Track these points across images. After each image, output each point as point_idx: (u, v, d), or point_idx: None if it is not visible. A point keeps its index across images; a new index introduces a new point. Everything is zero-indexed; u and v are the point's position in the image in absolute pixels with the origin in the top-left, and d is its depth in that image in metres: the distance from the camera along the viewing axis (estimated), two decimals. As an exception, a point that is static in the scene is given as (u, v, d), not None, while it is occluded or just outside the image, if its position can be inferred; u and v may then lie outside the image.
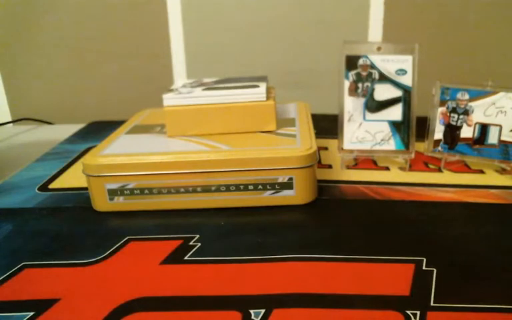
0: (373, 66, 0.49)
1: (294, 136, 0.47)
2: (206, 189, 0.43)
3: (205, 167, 0.43)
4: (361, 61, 0.49)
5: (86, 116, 0.80)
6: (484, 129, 0.49)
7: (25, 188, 0.51)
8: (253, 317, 0.30)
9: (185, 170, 0.43)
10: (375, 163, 0.53)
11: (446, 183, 0.48)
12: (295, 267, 0.35)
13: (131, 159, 0.43)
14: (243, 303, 0.31)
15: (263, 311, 0.30)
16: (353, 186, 0.48)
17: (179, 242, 0.39)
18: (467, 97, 0.49)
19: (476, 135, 0.49)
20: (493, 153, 0.49)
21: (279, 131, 0.48)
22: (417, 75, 0.49)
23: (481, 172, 0.50)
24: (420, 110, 0.50)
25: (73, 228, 0.42)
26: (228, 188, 0.43)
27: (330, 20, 0.77)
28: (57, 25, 0.80)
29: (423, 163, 0.53)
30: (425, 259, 0.35)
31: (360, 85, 0.50)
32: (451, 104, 0.49)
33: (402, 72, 0.49)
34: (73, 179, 0.53)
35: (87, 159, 0.44)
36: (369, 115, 0.50)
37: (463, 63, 0.77)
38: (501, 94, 0.47)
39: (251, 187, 0.43)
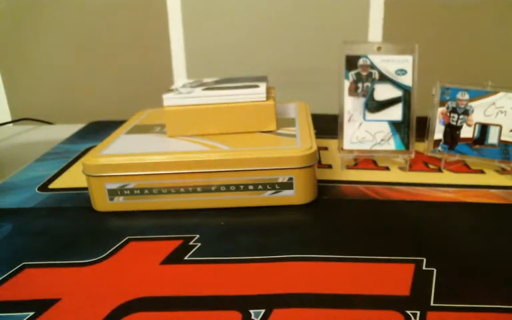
0: (373, 66, 0.49)
1: (294, 136, 0.47)
2: (206, 189, 0.43)
3: (205, 166, 0.43)
4: (361, 61, 0.49)
5: (86, 116, 0.80)
6: (484, 129, 0.49)
7: (25, 188, 0.51)
8: (252, 317, 0.30)
9: (185, 170, 0.43)
10: (374, 163, 0.53)
11: (446, 182, 0.48)
12: (295, 266, 0.35)
13: (130, 159, 0.43)
14: (243, 303, 0.31)
15: (263, 311, 0.30)
16: (353, 186, 0.48)
17: (178, 242, 0.39)
18: (466, 97, 0.49)
19: (476, 135, 0.49)
20: (493, 152, 0.49)
21: (279, 131, 0.48)
22: (417, 75, 0.49)
23: (481, 172, 0.50)
24: (420, 110, 0.50)
25: (72, 228, 0.42)
26: (228, 188, 0.43)
27: (330, 20, 0.77)
28: (57, 25, 0.80)
29: (423, 162, 0.53)
30: (424, 259, 0.35)
31: (360, 85, 0.50)
32: (451, 104, 0.49)
33: (402, 72, 0.49)
34: (73, 179, 0.53)
35: (87, 158, 0.44)
36: (369, 115, 0.50)
37: (463, 63, 0.77)
38: (501, 94, 0.47)
39: (251, 187, 0.43)
